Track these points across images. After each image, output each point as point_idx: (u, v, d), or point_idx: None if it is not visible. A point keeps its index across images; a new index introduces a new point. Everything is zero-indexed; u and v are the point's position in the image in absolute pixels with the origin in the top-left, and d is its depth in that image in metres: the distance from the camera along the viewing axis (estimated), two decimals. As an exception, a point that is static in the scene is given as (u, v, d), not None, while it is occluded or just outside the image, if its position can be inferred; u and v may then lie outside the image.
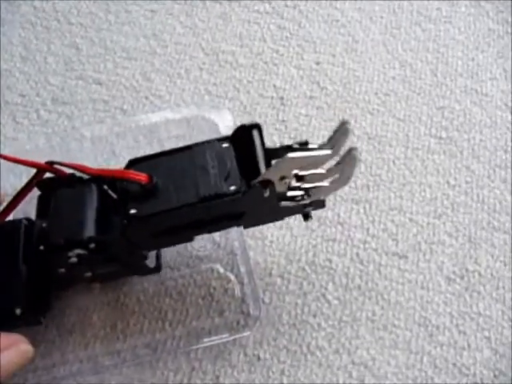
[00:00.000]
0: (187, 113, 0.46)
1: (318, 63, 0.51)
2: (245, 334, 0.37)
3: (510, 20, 0.55)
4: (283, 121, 0.48)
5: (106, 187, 0.34)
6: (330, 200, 0.44)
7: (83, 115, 0.47)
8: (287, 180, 0.32)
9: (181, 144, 0.43)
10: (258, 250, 0.42)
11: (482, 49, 0.53)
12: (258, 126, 0.33)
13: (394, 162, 0.46)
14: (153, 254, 0.38)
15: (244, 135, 0.33)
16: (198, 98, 0.48)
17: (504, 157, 0.47)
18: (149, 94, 0.48)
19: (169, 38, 0.52)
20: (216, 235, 0.41)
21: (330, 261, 0.42)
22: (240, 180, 0.32)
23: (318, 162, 0.32)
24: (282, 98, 0.49)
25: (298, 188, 0.33)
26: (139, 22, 0.52)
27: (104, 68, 0.50)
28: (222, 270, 0.40)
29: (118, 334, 0.38)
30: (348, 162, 0.32)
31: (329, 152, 0.33)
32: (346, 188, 0.45)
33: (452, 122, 0.49)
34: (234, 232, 0.40)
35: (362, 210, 0.44)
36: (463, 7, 0.56)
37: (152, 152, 0.45)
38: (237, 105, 0.48)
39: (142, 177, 0.32)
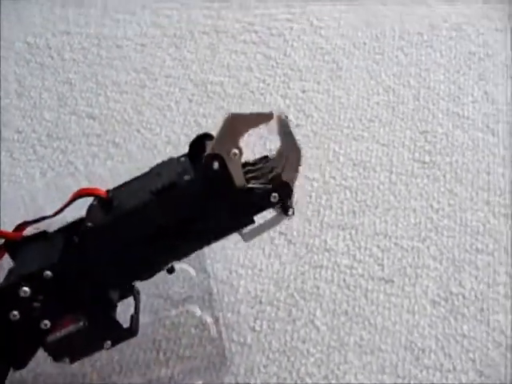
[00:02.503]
0: (177, 143, 0.48)
1: (303, 91, 0.53)
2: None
3: (490, 42, 0.57)
4: (270, 150, 0.49)
5: (75, 239, 0.32)
6: (316, 227, 0.46)
7: (77, 150, 0.49)
8: (235, 151, 0.30)
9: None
10: (247, 279, 0.43)
11: (463, 72, 0.54)
12: (210, 136, 0.33)
13: (378, 187, 0.48)
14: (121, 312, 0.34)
15: (200, 147, 0.33)
16: (188, 130, 0.50)
17: (486, 179, 0.48)
18: (140, 126, 0.50)
19: (158, 70, 0.53)
20: (207, 266, 0.42)
21: (318, 287, 0.43)
22: (195, 173, 0.31)
23: (261, 122, 0.30)
24: (269, 128, 0.50)
25: (255, 176, 0.32)
26: (129, 56, 0.54)
27: (96, 102, 0.51)
28: (216, 299, 0.41)
29: (114, 365, 0.40)
30: (282, 130, 0.31)
31: (271, 113, 0.31)
32: (333, 215, 0.46)
33: (435, 145, 0.50)
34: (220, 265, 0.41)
35: (348, 236, 0.45)
36: (444, 31, 0.57)
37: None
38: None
39: (100, 191, 0.32)
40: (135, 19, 0.56)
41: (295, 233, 0.45)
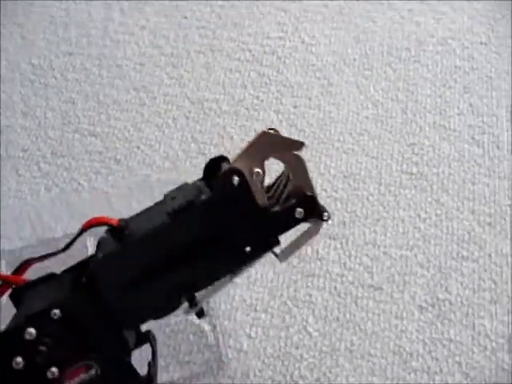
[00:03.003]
0: (175, 158, 0.51)
1: (295, 107, 0.55)
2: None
3: (475, 56, 0.59)
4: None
5: (84, 279, 0.29)
6: (308, 237, 0.48)
7: (80, 166, 0.51)
8: (258, 170, 0.28)
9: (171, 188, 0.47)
10: (243, 288, 0.45)
11: (449, 85, 0.57)
12: (225, 158, 0.31)
13: (368, 198, 0.50)
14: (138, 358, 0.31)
15: (214, 170, 0.31)
16: (185, 146, 0.52)
17: (472, 189, 0.51)
18: (140, 143, 0.53)
19: (157, 89, 0.56)
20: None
21: (310, 295, 0.45)
22: (213, 191, 0.29)
23: (290, 149, 0.29)
24: (262, 142, 0.53)
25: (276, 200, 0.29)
26: (129, 76, 0.57)
27: (98, 121, 0.54)
28: (213, 307, 0.44)
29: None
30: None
31: (302, 142, 0.30)
32: (324, 225, 0.48)
33: (422, 157, 0.52)
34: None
35: (339, 246, 0.47)
36: (431, 46, 0.59)
37: (143, 198, 0.49)
38: (221, 151, 0.52)
39: (112, 220, 0.29)
40: (134, 39, 0.59)
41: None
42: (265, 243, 0.30)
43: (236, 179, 0.28)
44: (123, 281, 0.29)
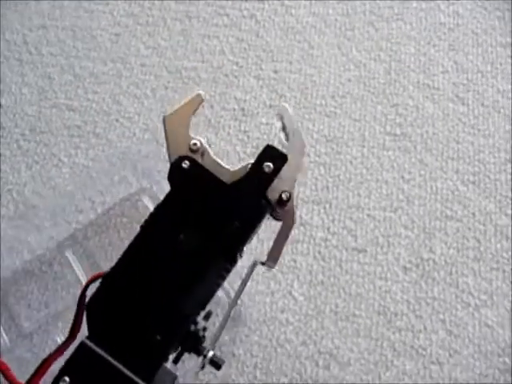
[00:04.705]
0: (155, 131, 0.50)
1: (276, 72, 0.54)
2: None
3: (460, 11, 0.57)
4: (245, 131, 0.51)
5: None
6: (292, 203, 0.48)
7: (60, 142, 0.51)
8: (194, 142, 0.28)
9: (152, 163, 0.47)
10: (227, 256, 0.45)
11: (433, 43, 0.55)
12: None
13: (351, 161, 0.49)
14: None
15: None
16: (165, 116, 0.52)
17: (456, 148, 0.50)
18: (119, 116, 0.52)
19: (134, 60, 0.55)
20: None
21: (295, 260, 0.45)
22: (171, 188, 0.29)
23: (195, 107, 0.30)
24: (243, 109, 0.52)
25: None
26: (105, 47, 0.55)
27: (75, 95, 0.53)
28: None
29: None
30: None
31: (199, 93, 0.30)
32: (307, 190, 0.48)
33: (406, 118, 0.51)
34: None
35: (322, 210, 0.47)
36: (414, 3, 0.58)
37: (124, 171, 0.48)
38: (201, 119, 0.51)
39: (100, 272, 0.29)
40: (108, 9, 0.57)
41: (271, 210, 0.47)
42: (252, 213, 0.29)
43: (186, 163, 0.28)
44: (118, 318, 0.27)
